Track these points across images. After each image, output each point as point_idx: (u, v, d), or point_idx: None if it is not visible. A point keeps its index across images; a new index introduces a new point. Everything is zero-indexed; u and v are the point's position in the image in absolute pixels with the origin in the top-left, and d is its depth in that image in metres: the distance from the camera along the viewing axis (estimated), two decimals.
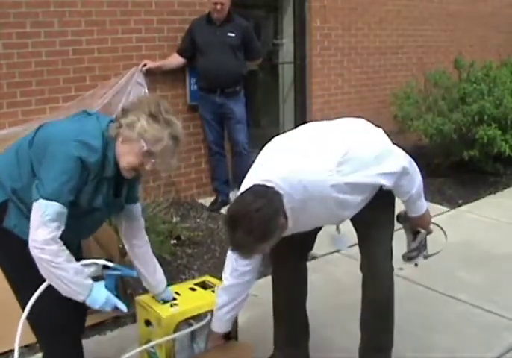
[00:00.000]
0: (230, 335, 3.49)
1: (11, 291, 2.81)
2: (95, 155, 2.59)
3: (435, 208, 6.31)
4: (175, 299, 3.31)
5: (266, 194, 2.68)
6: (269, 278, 4.64)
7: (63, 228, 2.54)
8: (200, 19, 6.26)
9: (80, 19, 5.66)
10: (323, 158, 2.83)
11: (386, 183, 2.91)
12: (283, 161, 2.88)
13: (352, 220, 3.25)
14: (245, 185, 2.86)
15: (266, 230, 2.63)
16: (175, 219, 5.59)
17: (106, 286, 2.75)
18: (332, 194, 2.80)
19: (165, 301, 3.27)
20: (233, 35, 6.16)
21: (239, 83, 6.35)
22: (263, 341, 3.75)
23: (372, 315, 3.38)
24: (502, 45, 10.31)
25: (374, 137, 3.09)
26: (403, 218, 3.31)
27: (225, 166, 6.57)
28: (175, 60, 6.26)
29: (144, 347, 3.26)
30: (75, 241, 2.87)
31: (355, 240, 3.29)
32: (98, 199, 2.69)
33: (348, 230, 3.34)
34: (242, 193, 2.79)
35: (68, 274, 2.56)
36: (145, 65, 6.01)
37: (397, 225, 3.31)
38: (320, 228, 3.36)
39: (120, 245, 4.25)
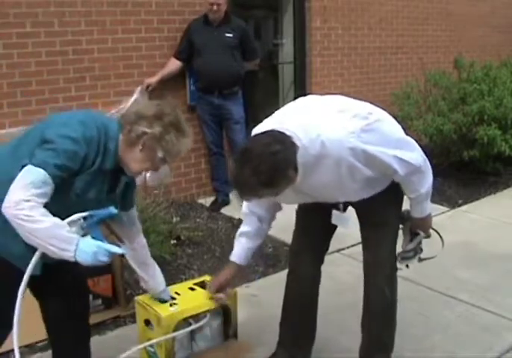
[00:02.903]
0: (230, 334, 3.50)
1: None
2: (89, 145, 2.54)
3: (435, 208, 6.28)
4: (174, 298, 3.31)
5: (284, 141, 2.63)
6: (269, 278, 4.68)
7: (43, 201, 2.42)
8: (197, 20, 6.26)
9: (80, 19, 5.66)
10: (347, 120, 2.78)
11: (399, 170, 2.87)
12: (307, 114, 2.86)
13: (360, 218, 3.27)
14: (260, 128, 2.85)
15: (274, 176, 2.59)
16: (175, 219, 5.59)
17: (93, 237, 2.55)
18: (348, 157, 2.75)
19: (164, 301, 3.27)
20: (230, 35, 6.17)
21: (237, 83, 6.35)
22: (262, 341, 3.76)
23: (374, 316, 3.38)
24: (502, 45, 10.32)
25: (395, 122, 3.08)
26: (405, 218, 3.30)
27: (225, 166, 6.56)
28: (173, 65, 6.24)
29: (141, 346, 3.26)
30: None
31: (357, 240, 3.29)
32: (91, 192, 2.61)
33: (352, 231, 3.35)
34: (260, 133, 2.76)
35: (45, 226, 2.38)
36: (148, 86, 6.03)
37: None
38: (335, 228, 3.37)
39: None
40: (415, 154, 2.94)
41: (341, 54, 8.09)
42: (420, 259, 3.40)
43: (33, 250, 2.47)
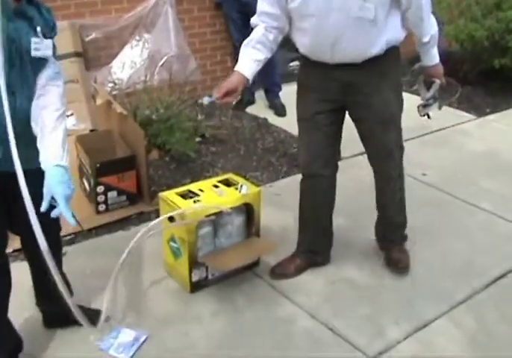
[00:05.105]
0: (252, 232, 3.54)
1: None
2: None
3: (462, 115, 6.25)
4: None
5: None
6: (293, 178, 4.71)
7: None
8: None
9: None
10: None
11: None
12: None
13: (364, 117, 3.28)
14: None
15: None
16: (199, 117, 5.57)
17: None
18: None
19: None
20: None
21: None
22: (284, 239, 3.81)
23: (386, 203, 3.63)
24: None
25: None
26: (417, 71, 3.44)
27: None
28: None
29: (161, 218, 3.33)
30: None
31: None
32: None
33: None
34: None
35: None
36: None
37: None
38: (340, 131, 3.40)
39: (145, 142, 4.27)
40: None
41: None
42: (440, 106, 3.53)
43: None
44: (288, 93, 6.18)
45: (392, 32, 3.03)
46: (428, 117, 3.56)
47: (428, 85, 3.45)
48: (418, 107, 3.51)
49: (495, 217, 4.32)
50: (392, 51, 3.11)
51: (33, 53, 2.32)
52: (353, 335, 3.15)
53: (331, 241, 3.68)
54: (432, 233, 4.06)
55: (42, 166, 2.33)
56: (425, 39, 3.19)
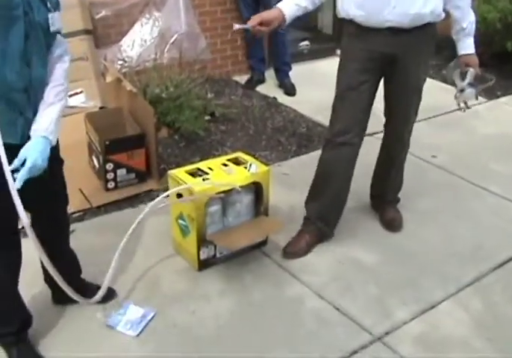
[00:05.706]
0: (261, 211, 3.55)
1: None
2: None
3: None
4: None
5: None
6: (302, 158, 4.70)
7: None
8: None
9: None
10: None
11: None
12: None
13: (396, 87, 3.40)
14: None
15: None
16: (209, 95, 5.55)
17: None
18: None
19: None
20: None
21: None
22: (292, 218, 3.83)
23: (394, 165, 3.78)
24: None
25: None
26: (452, 67, 3.58)
27: (261, 44, 6.42)
28: None
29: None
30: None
31: None
32: None
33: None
34: None
35: None
36: None
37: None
38: (371, 104, 3.43)
39: (155, 120, 4.26)
40: None
41: None
42: (476, 95, 3.64)
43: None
44: (298, 73, 6.20)
45: (437, 2, 3.16)
46: (467, 107, 3.63)
47: (463, 75, 3.54)
48: (455, 95, 3.60)
49: (504, 200, 4.30)
50: (432, 26, 3.26)
51: (52, 29, 2.36)
52: (360, 315, 3.15)
53: (341, 210, 3.70)
54: (440, 215, 4.06)
55: (31, 134, 2.37)
56: (464, 25, 3.37)
